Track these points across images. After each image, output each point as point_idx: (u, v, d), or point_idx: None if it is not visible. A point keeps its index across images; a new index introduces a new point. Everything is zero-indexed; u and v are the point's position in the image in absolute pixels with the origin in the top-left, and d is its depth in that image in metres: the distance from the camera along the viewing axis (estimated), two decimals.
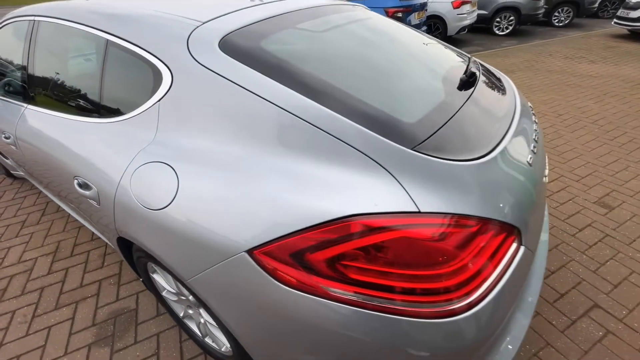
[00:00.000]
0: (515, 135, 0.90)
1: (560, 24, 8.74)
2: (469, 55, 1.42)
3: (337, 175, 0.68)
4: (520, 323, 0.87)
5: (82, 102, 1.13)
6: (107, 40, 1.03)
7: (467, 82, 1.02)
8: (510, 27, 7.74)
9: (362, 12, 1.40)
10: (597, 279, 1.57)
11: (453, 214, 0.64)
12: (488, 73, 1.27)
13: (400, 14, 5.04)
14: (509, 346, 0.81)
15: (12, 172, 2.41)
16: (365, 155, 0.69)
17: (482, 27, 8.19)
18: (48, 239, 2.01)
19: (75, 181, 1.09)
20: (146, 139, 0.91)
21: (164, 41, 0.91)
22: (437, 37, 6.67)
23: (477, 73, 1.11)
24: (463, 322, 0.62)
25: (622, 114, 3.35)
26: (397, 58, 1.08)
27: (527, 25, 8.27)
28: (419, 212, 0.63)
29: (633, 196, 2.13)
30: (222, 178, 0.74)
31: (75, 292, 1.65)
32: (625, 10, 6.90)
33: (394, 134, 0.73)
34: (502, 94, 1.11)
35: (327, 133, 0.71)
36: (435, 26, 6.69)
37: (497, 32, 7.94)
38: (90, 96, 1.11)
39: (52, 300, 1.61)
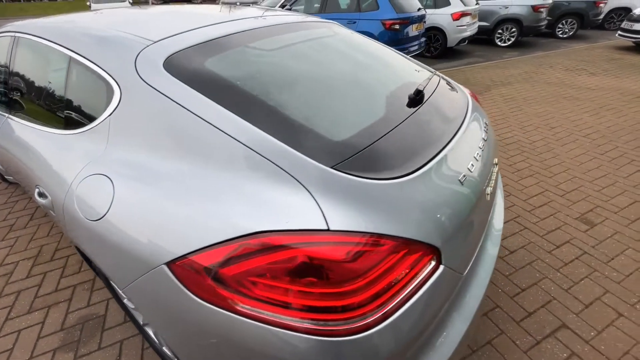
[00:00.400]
0: (451, 153, 0.90)
1: (564, 36, 8.69)
2: (433, 72, 1.43)
3: (256, 191, 0.70)
4: (457, 328, 0.87)
5: (48, 114, 1.19)
6: (70, 57, 1.08)
7: (414, 100, 1.04)
8: (513, 39, 7.74)
9: (327, 29, 1.43)
10: (569, 297, 1.53)
11: (363, 233, 0.65)
12: (445, 90, 1.28)
13: (397, 26, 5.10)
14: (443, 350, 0.80)
15: (5, 176, 2.50)
16: (286, 172, 0.70)
17: (484, 39, 8.20)
18: (32, 243, 2.07)
19: (36, 190, 1.13)
20: (96, 152, 0.94)
21: (116, 59, 0.95)
22: (437, 49, 6.75)
23: (426, 91, 1.12)
24: (366, 339, 0.62)
25: (616, 128, 3.29)
26: (345, 75, 1.10)
27: (529, 36, 8.23)
28: (328, 230, 0.64)
29: (617, 213, 2.09)
30: (149, 192, 0.77)
31: (50, 297, 1.69)
32: (630, 23, 6.84)
33: (317, 151, 0.75)
34: (451, 112, 1.11)
35: (251, 149, 0.73)
36: (435, 38, 6.73)
37: (499, 43, 7.93)
38: (54, 108, 1.16)
39: (26, 304, 1.65)
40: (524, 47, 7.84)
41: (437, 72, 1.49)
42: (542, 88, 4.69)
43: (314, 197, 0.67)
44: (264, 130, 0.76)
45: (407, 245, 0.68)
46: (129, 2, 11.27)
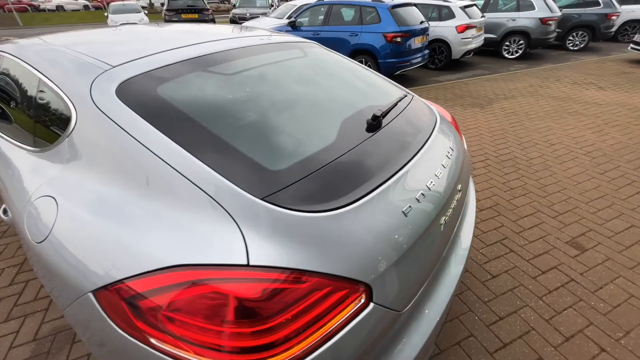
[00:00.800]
0: (398, 183, 0.88)
1: (575, 48, 8.53)
2: (405, 94, 1.41)
3: (185, 221, 0.69)
4: (414, 342, 0.85)
5: (19, 131, 1.22)
6: (39, 78, 1.12)
7: (370, 126, 1.02)
8: (520, 51, 7.64)
9: (299, 50, 1.43)
10: (549, 329, 1.46)
11: (284, 269, 0.63)
12: (411, 114, 1.25)
13: (399, 39, 5.11)
14: None
15: None
16: (217, 202, 0.70)
17: (491, 51, 8.13)
18: (20, 250, 2.12)
19: (3, 206, 1.16)
20: (52, 174, 0.96)
21: (74, 83, 0.98)
22: (441, 61, 6.71)
23: (386, 116, 1.10)
24: None
25: (619, 146, 3.18)
26: (301, 101, 1.10)
27: (538, 49, 8.12)
28: (247, 265, 0.62)
29: (611, 237, 1.99)
30: (86, 218, 0.77)
31: (28, 305, 1.72)
32: None
33: (251, 182, 0.74)
34: (409, 138, 1.08)
35: (185, 178, 0.73)
36: (439, 50, 6.71)
37: (506, 55, 7.85)
38: (25, 127, 1.20)
39: (5, 312, 1.68)
40: (532, 59, 7.73)
41: (409, 94, 1.47)
42: (546, 102, 4.59)
43: (240, 230, 0.66)
44: (200, 159, 0.76)
45: (331, 282, 0.66)
46: (145, 13, 11.69)
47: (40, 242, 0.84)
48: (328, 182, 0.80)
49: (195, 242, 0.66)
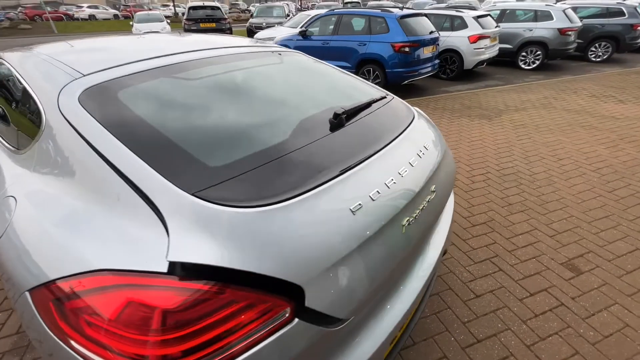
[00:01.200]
0: (348, 181, 0.86)
1: (598, 59, 8.21)
2: (385, 95, 1.40)
3: (121, 222, 0.70)
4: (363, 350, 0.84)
5: (6, 133, 1.30)
6: (23, 84, 1.19)
7: (332, 124, 1.03)
8: (538, 62, 7.42)
9: (277, 58, 1.46)
10: (529, 356, 1.37)
11: (204, 279, 0.63)
12: (382, 115, 1.23)
13: (407, 49, 5.08)
14: None
15: None
16: (150, 200, 0.70)
17: (507, 61, 7.94)
18: None
19: None
20: (20, 174, 1.01)
21: (45, 89, 1.03)
22: (453, 71, 6.61)
23: (350, 116, 1.10)
24: None
25: (633, 163, 3.00)
26: (262, 103, 1.12)
27: (557, 60, 7.85)
28: (166, 273, 0.63)
29: (611, 261, 1.87)
30: (34, 219, 0.81)
31: None
32: None
33: (186, 178, 0.74)
34: (376, 136, 1.07)
35: (126, 179, 0.74)
36: (451, 60, 6.62)
37: (522, 66, 7.64)
38: (10, 129, 1.27)
39: None
40: (550, 70, 7.49)
41: (389, 95, 1.45)
42: (560, 115, 4.42)
43: (166, 227, 0.66)
44: (145, 160, 0.77)
45: (253, 295, 0.65)
46: (167, 22, 12.24)
47: None
48: (269, 178, 0.80)
49: (123, 245, 0.67)
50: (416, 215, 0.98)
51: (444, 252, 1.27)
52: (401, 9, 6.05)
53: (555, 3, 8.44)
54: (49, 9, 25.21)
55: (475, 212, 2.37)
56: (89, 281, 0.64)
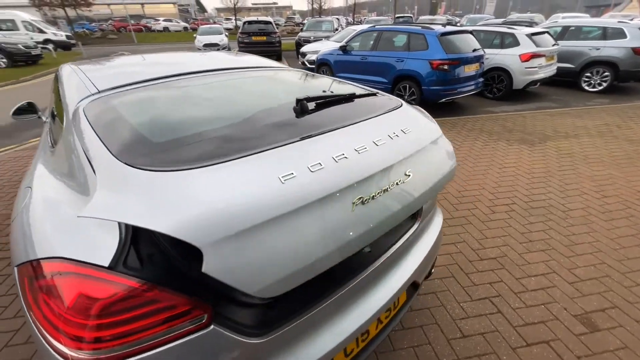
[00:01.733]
0: (284, 152, 0.89)
1: None
2: (372, 93, 1.42)
3: (81, 209, 0.83)
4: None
5: (54, 132, 1.58)
6: (63, 93, 1.44)
7: (296, 110, 1.12)
8: (605, 84, 6.63)
9: (271, 72, 1.61)
10: None
11: (138, 279, 0.71)
12: (364, 103, 1.30)
13: (446, 67, 4.92)
14: None
15: None
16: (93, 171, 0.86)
17: (568, 81, 7.20)
18: None
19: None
20: (46, 167, 1.23)
21: (71, 100, 1.25)
22: (501, 90, 6.19)
23: (315, 102, 1.16)
24: None
25: None
26: (230, 101, 1.33)
27: (630, 82, 6.94)
28: (107, 267, 0.72)
29: None
30: (32, 207, 0.97)
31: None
32: None
33: (131, 152, 0.88)
34: (338, 119, 1.09)
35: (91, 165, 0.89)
36: (498, 78, 6.23)
37: (586, 88, 6.89)
38: (54, 129, 1.55)
39: (15, 310, 2.07)
40: (620, 93, 6.64)
41: (380, 93, 1.46)
42: (619, 146, 3.90)
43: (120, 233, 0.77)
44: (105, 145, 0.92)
45: (173, 297, 0.72)
46: (225, 35, 13.34)
47: (12, 220, 1.08)
48: (203, 149, 0.90)
49: (77, 235, 0.78)
50: (374, 196, 0.91)
51: (415, 284, 1.23)
52: (444, 25, 5.87)
53: (631, 20, 7.51)
54: (132, 21, 29.08)
55: (487, 245, 2.21)
56: (51, 265, 0.77)
